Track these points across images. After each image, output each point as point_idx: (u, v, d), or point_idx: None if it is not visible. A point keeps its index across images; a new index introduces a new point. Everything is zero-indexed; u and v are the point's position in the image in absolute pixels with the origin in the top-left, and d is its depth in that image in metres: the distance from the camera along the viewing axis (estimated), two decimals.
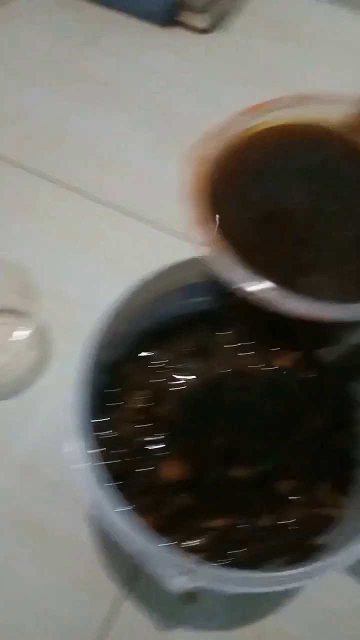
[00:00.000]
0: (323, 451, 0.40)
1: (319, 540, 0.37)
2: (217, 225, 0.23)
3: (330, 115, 0.25)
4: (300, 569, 0.29)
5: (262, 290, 0.22)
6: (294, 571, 0.29)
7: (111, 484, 0.39)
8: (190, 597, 0.45)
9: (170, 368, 0.43)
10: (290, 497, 0.39)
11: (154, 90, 0.74)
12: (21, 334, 0.51)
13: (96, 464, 0.38)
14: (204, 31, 0.80)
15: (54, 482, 0.48)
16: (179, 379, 0.43)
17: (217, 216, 0.23)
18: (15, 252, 0.55)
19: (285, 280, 0.23)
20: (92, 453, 0.35)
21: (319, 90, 0.25)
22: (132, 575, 0.45)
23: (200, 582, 0.29)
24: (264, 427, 0.41)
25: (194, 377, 0.43)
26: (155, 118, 0.71)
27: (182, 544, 0.37)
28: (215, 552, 0.37)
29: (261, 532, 0.38)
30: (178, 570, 0.29)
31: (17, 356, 0.53)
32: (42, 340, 0.55)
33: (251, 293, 0.22)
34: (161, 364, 0.43)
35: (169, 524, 0.38)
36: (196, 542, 0.37)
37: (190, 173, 0.23)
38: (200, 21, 0.80)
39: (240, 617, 0.43)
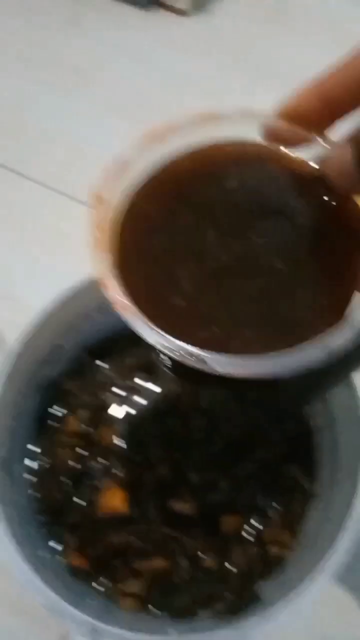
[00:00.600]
0: (273, 483, 0.37)
1: (264, 585, 0.34)
2: (123, 285, 0.19)
3: (246, 134, 0.21)
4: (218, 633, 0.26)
5: (183, 357, 0.19)
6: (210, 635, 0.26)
7: (42, 519, 0.36)
8: None
9: (113, 387, 0.39)
10: (236, 535, 0.36)
11: (130, 75, 0.70)
12: None
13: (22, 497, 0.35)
14: (184, 13, 0.75)
15: None
16: (121, 400, 0.39)
17: (121, 274, 0.20)
18: None
19: (211, 342, 0.20)
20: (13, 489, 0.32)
21: (230, 107, 0.21)
22: None
23: None
24: (211, 455, 0.38)
25: (137, 397, 0.39)
26: (131, 104, 0.66)
27: (113, 587, 0.34)
28: (149, 597, 0.34)
29: (203, 574, 0.35)
30: (84, 629, 0.26)
31: None
32: None
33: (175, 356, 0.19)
34: (103, 381, 0.40)
35: (100, 563, 0.35)
36: (129, 585, 0.34)
37: (91, 223, 0.20)
38: (181, 3, 0.75)
39: None
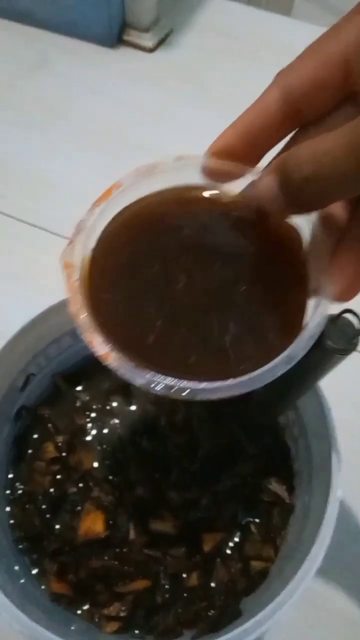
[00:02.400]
0: (253, 498, 0.37)
1: (247, 599, 0.34)
2: (102, 334, 0.21)
3: (187, 178, 0.23)
4: None
5: (165, 390, 0.21)
6: None
7: (21, 547, 0.36)
8: None
9: (88, 411, 0.40)
10: (218, 553, 0.36)
11: (100, 111, 0.72)
12: None
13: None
14: (151, 50, 0.78)
15: None
16: (98, 424, 0.39)
17: (97, 324, 0.21)
18: None
19: (189, 371, 0.21)
20: None
21: (167, 156, 0.23)
22: None
23: None
24: (190, 473, 0.38)
25: (113, 420, 0.40)
26: (103, 140, 0.68)
27: (96, 611, 0.34)
28: (133, 620, 0.34)
29: (186, 593, 0.35)
30: None
31: None
32: None
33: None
34: (79, 406, 0.40)
35: (82, 589, 0.35)
36: (112, 609, 0.34)
37: (65, 287, 0.22)
38: (146, 40, 0.78)
39: None
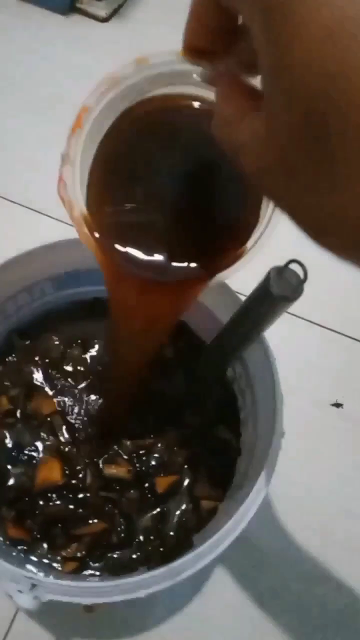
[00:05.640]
0: (205, 444, 0.39)
1: (198, 535, 0.36)
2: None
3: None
4: (153, 573, 0.28)
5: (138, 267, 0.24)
6: (145, 575, 0.28)
7: None
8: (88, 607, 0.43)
9: (47, 363, 0.41)
10: (171, 494, 0.38)
11: (51, 78, 0.71)
12: None
13: None
14: (104, 20, 0.78)
15: None
16: (54, 372, 0.41)
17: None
18: None
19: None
20: None
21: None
22: None
23: (49, 595, 0.27)
24: (143, 423, 0.40)
25: (70, 368, 0.41)
26: (53, 107, 0.68)
27: (54, 553, 0.36)
28: (89, 559, 0.36)
29: (141, 535, 0.37)
30: (24, 585, 0.27)
31: None
32: None
33: None
34: (35, 359, 0.41)
35: (39, 533, 0.36)
36: (69, 550, 0.36)
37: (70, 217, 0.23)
38: (99, 9, 0.78)
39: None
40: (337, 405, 0.51)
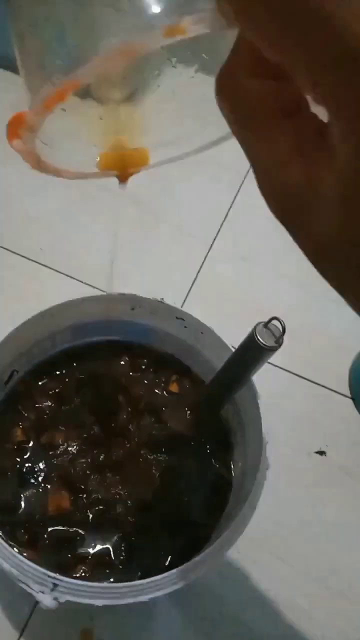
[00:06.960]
0: (200, 476, 0.45)
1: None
2: None
3: None
4: (161, 577, 0.32)
5: None
6: (155, 578, 0.32)
7: None
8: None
9: (54, 396, 0.47)
10: (166, 525, 0.42)
11: None
12: None
13: None
14: None
15: None
16: (64, 406, 0.46)
17: None
18: None
19: None
20: None
21: None
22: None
23: (66, 596, 0.32)
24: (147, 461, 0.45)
25: (79, 402, 0.47)
26: None
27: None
28: (93, 577, 0.40)
29: (138, 556, 0.41)
30: (44, 586, 0.32)
31: None
32: None
33: None
34: (50, 394, 0.47)
35: (49, 553, 0.40)
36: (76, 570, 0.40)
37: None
38: None
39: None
40: (321, 453, 0.56)
